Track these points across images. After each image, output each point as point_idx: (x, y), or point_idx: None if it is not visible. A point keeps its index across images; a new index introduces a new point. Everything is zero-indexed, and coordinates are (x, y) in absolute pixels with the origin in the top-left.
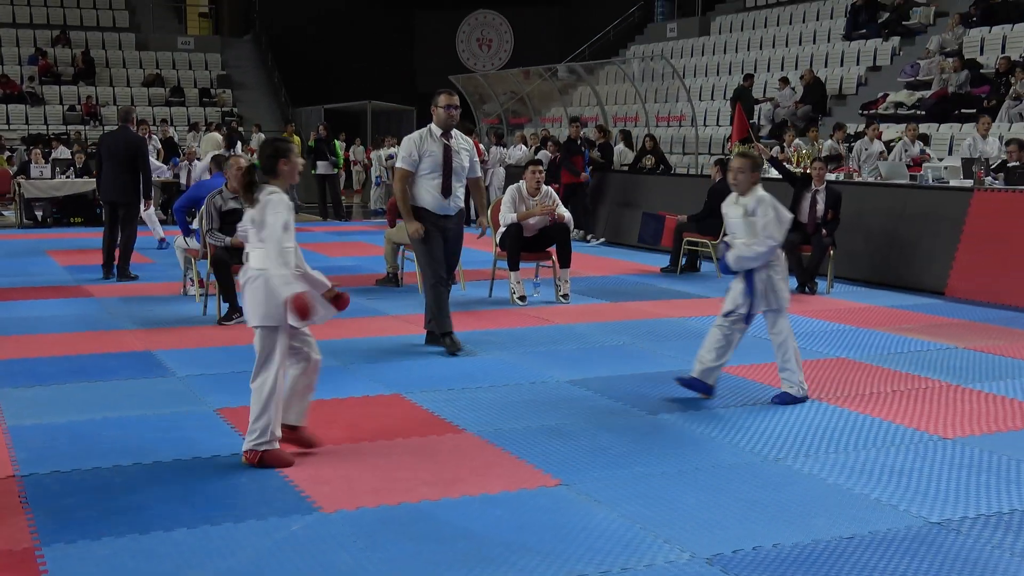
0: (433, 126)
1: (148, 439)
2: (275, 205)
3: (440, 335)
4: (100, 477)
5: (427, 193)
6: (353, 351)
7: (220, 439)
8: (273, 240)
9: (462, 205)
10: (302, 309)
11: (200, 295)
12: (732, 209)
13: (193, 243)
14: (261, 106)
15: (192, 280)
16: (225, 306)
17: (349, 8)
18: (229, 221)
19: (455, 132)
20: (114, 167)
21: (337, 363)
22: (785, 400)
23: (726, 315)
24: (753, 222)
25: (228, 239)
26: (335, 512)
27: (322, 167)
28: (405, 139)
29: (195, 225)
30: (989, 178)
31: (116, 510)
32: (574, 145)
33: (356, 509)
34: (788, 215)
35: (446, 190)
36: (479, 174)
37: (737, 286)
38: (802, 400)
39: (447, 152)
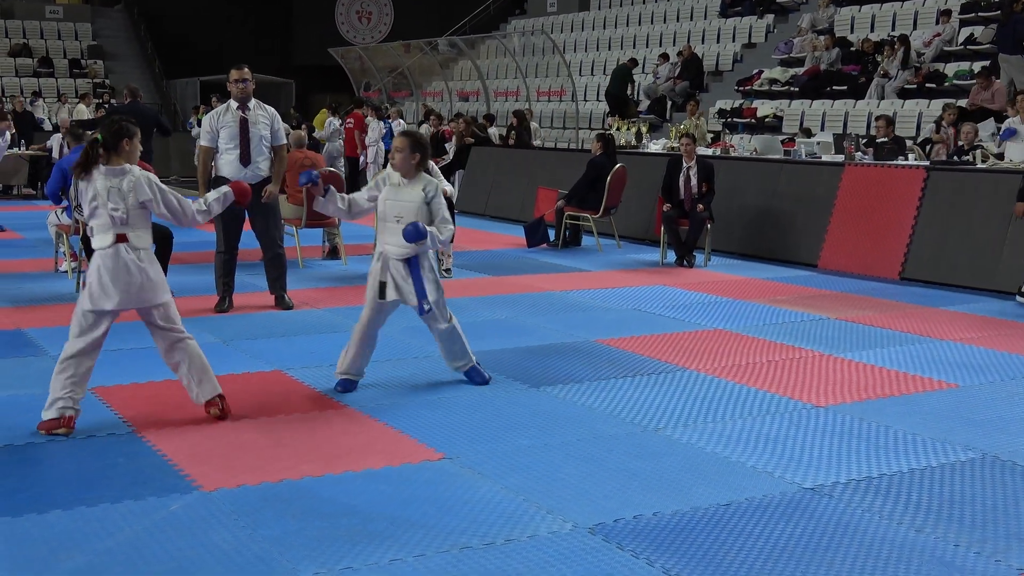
0: (231, 100)
1: (19, 420)
2: (153, 183)
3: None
4: None
5: (227, 164)
6: (233, 327)
7: (95, 417)
8: (185, 207)
9: (265, 175)
10: (243, 192)
11: (73, 270)
12: (401, 192)
13: (65, 219)
14: (134, 77)
15: (65, 255)
16: None
17: None
18: None
19: (254, 103)
20: None
21: (216, 339)
22: (477, 378)
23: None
24: (429, 209)
25: None
26: (215, 490)
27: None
28: (204, 117)
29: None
30: (859, 153)
31: None
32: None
33: (237, 487)
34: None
35: (244, 159)
36: (282, 142)
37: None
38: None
39: (243, 124)
